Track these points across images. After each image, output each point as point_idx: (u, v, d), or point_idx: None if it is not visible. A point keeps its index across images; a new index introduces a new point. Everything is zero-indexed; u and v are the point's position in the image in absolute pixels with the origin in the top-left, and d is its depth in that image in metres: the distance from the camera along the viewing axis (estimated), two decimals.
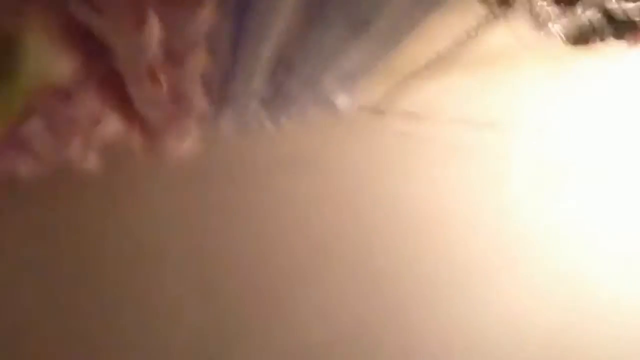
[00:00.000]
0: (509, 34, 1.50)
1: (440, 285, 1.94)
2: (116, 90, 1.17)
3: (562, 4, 1.48)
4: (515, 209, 1.97)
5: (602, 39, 1.61)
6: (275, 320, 1.85)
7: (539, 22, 1.47)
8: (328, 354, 1.85)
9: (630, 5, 1.47)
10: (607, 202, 2.04)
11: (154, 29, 0.90)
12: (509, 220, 1.98)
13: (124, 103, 1.22)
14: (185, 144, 1.48)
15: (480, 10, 1.42)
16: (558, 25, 1.49)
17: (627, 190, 2.04)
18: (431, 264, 1.94)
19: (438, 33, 1.51)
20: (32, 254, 1.74)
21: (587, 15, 1.54)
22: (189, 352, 1.79)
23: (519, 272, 1.97)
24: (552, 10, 1.46)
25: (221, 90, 1.35)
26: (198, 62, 1.15)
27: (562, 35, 1.57)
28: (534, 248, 1.99)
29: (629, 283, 1.98)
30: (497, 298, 1.95)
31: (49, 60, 1.02)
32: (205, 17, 0.96)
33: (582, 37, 1.61)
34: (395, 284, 1.93)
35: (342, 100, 1.45)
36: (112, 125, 1.25)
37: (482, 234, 1.97)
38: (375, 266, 1.93)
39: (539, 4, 1.45)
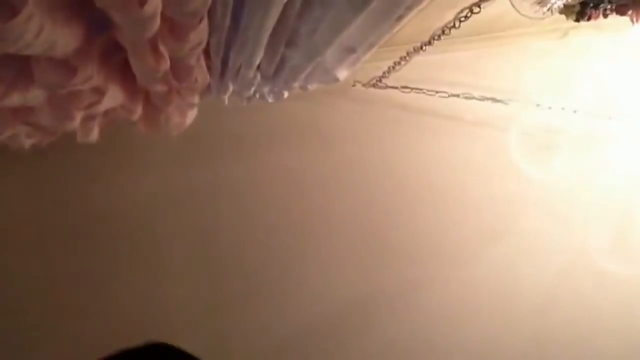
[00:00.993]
0: (512, 8, 1.51)
1: (442, 253, 1.97)
2: (119, 64, 1.18)
3: None
4: (515, 178, 1.98)
5: (605, 15, 1.62)
6: (276, 293, 1.87)
7: None
8: (330, 324, 1.88)
9: None
10: (601, 171, 2.05)
11: (156, 3, 0.91)
12: (509, 189, 2.00)
13: (127, 77, 1.23)
14: (187, 117, 1.50)
15: None
16: (561, 0, 1.50)
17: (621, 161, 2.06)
18: (433, 234, 1.98)
19: (441, 7, 1.52)
20: (31, 219, 1.76)
21: None
22: (188, 325, 1.81)
23: (518, 239, 1.99)
24: None
25: (223, 63, 1.36)
26: (200, 36, 1.16)
27: (565, 10, 1.57)
28: (535, 214, 2.02)
29: (616, 247, 2.00)
30: (499, 263, 1.99)
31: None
32: None
33: (584, 12, 1.61)
34: (398, 253, 1.96)
35: (344, 74, 1.45)
36: (115, 99, 1.26)
37: (482, 204, 1.99)
38: (377, 236, 1.96)
39: None
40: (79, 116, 1.31)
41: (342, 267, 1.92)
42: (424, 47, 1.67)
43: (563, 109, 1.95)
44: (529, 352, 1.97)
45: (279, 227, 1.89)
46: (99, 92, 1.21)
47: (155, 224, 1.82)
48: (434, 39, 1.63)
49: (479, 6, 1.52)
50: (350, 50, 1.39)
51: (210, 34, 1.18)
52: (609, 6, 1.57)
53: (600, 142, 2.02)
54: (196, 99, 1.46)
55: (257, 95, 1.54)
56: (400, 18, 1.23)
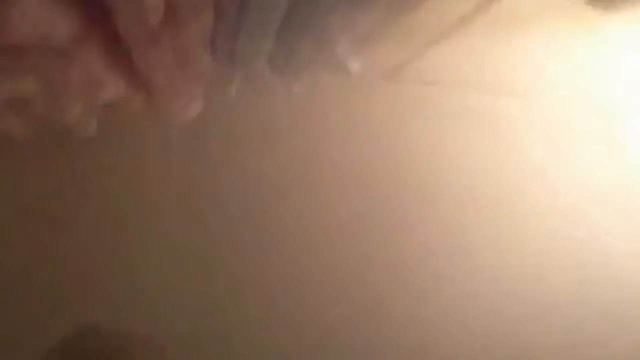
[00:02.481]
0: None
1: (448, 251, 1.95)
2: (119, 52, 1.16)
3: None
4: (533, 175, 1.97)
5: (633, 4, 1.59)
6: (280, 283, 1.86)
7: None
8: (337, 317, 1.87)
9: None
10: (622, 168, 2.03)
11: None
12: (530, 189, 1.98)
13: (127, 66, 1.21)
14: (191, 108, 1.47)
15: None
16: None
17: None
18: (447, 236, 1.95)
19: None
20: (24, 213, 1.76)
21: None
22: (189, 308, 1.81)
23: (529, 235, 1.97)
24: None
25: (229, 52, 1.34)
26: (205, 23, 1.14)
27: (592, 1, 1.55)
28: (547, 215, 1.99)
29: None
30: (520, 270, 1.95)
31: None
32: None
33: (610, 2, 1.59)
34: (409, 255, 1.93)
35: (356, 65, 1.43)
36: (115, 89, 1.24)
37: (501, 205, 1.96)
38: (387, 233, 1.93)
39: None
40: (76, 108, 1.29)
41: (343, 265, 1.89)
42: (442, 38, 1.65)
43: (588, 105, 1.93)
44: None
45: (279, 220, 1.88)
46: (98, 82, 1.20)
47: (155, 218, 1.81)
48: (453, 29, 1.61)
49: None
50: (364, 40, 1.37)
51: (216, 22, 1.16)
52: None
53: (627, 140, 2.00)
54: (201, 90, 1.44)
55: (266, 87, 1.52)
56: (417, 7, 1.21)
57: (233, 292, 1.85)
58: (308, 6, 1.20)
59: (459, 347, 1.94)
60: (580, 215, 1.99)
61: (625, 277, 1.94)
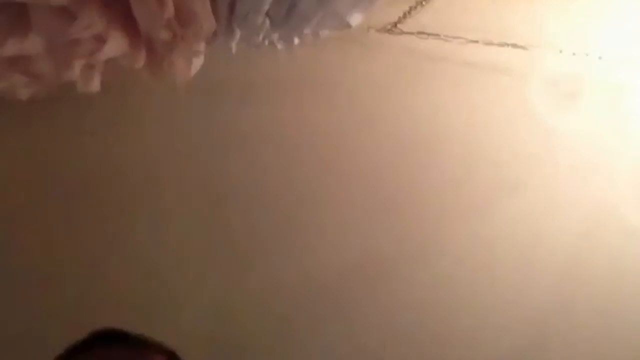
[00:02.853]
0: None
1: (457, 209, 1.95)
2: (121, 10, 1.16)
3: None
4: (537, 128, 1.96)
5: None
6: (284, 244, 1.86)
7: None
8: (337, 285, 1.87)
9: None
10: (627, 119, 2.03)
11: None
12: (530, 139, 1.98)
13: (129, 24, 1.21)
14: (192, 65, 1.47)
15: None
16: None
17: None
18: (447, 188, 1.95)
19: None
20: (29, 174, 1.76)
21: None
22: (192, 285, 1.82)
23: (539, 192, 1.97)
24: None
25: (230, 8, 1.33)
26: None
27: None
28: (557, 166, 2.00)
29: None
30: (518, 218, 1.96)
31: None
32: None
33: None
34: (410, 208, 1.94)
35: (357, 20, 1.42)
36: (117, 46, 1.24)
37: (501, 155, 1.97)
38: (388, 186, 1.94)
39: None
40: (79, 65, 1.30)
41: (345, 225, 1.90)
42: None
43: (587, 55, 1.91)
44: (549, 316, 1.96)
45: (285, 181, 1.88)
46: (100, 40, 1.20)
47: (159, 178, 1.81)
48: None
49: None
50: None
51: None
52: None
53: (626, 89, 1.99)
54: (202, 46, 1.44)
55: (266, 42, 1.51)
56: None
57: (239, 254, 1.86)
58: None
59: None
60: (579, 161, 1.99)
61: (628, 222, 1.95)
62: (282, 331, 1.82)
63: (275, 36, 1.49)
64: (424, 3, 1.71)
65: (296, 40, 1.52)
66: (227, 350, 1.75)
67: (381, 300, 1.89)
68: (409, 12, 1.77)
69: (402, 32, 1.85)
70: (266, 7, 1.32)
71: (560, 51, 1.91)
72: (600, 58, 1.92)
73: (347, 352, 1.85)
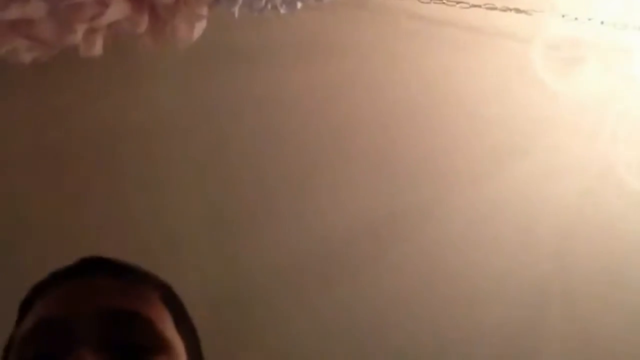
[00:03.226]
0: None
1: (460, 172, 1.96)
2: None
3: None
4: (539, 92, 1.96)
5: None
6: (294, 205, 1.88)
7: None
8: (345, 246, 1.89)
9: None
10: (629, 84, 2.02)
11: None
12: (532, 104, 1.97)
13: None
14: (195, 30, 1.47)
15: None
16: None
17: None
18: (450, 152, 1.97)
19: None
20: (31, 138, 1.76)
21: None
22: (196, 244, 1.83)
23: (541, 156, 1.98)
24: None
25: None
26: None
27: None
28: (559, 131, 2.00)
29: None
30: (521, 181, 1.97)
31: None
32: None
33: None
34: (413, 172, 1.95)
35: None
36: (119, 10, 1.24)
37: (504, 120, 1.97)
38: (397, 150, 1.95)
39: None
40: (81, 29, 1.30)
41: (355, 187, 1.91)
42: None
43: (590, 19, 1.91)
44: (551, 275, 1.98)
45: (289, 145, 1.89)
46: (103, 3, 1.20)
47: (162, 142, 1.82)
48: None
49: None
50: None
51: None
52: None
53: (628, 54, 1.97)
54: (204, 10, 1.43)
55: (269, 6, 1.51)
56: None
57: (249, 214, 1.87)
58: None
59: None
60: (582, 125, 1.99)
61: (627, 186, 1.95)
62: (291, 290, 1.84)
63: (277, 0, 1.49)
64: None
65: (299, 4, 1.52)
66: (235, 308, 1.77)
67: (389, 260, 1.91)
68: None
69: None
70: None
71: (563, 16, 1.91)
72: (602, 23, 1.92)
73: (355, 311, 1.88)
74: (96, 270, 0.71)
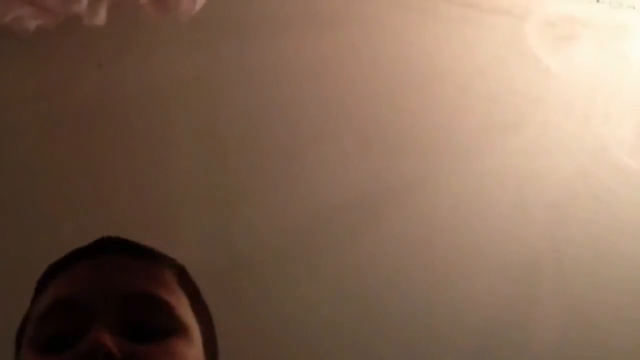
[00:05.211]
0: None
1: (453, 145, 1.99)
2: None
3: None
4: (533, 69, 1.98)
5: None
6: (284, 177, 1.91)
7: None
8: (334, 219, 1.90)
9: None
10: (623, 63, 2.04)
11: None
12: (526, 81, 2.00)
13: None
14: (197, 1, 1.51)
15: None
16: None
17: None
18: (443, 125, 1.99)
19: None
20: (34, 106, 1.79)
21: None
22: (190, 215, 1.85)
23: (535, 133, 2.00)
24: None
25: None
26: None
27: None
28: (552, 108, 2.02)
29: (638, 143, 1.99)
30: (514, 156, 1.99)
31: None
32: None
33: None
34: (406, 145, 1.98)
35: None
36: None
37: (498, 95, 2.00)
38: (388, 124, 1.97)
39: None
40: None
41: (348, 160, 1.93)
42: None
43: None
44: (543, 249, 2.00)
45: (282, 117, 1.91)
46: None
47: (161, 111, 1.83)
48: None
49: None
50: None
51: None
52: None
53: (623, 32, 1.98)
54: None
55: None
56: None
57: (239, 186, 1.88)
58: None
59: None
60: (576, 103, 2.03)
61: (619, 165, 1.98)
62: (279, 263, 1.86)
63: None
64: None
65: None
66: (224, 278, 1.74)
67: (378, 235, 1.92)
68: None
69: None
70: None
71: None
72: (597, 1, 1.95)
73: (343, 285, 1.89)
74: (115, 250, 0.71)
